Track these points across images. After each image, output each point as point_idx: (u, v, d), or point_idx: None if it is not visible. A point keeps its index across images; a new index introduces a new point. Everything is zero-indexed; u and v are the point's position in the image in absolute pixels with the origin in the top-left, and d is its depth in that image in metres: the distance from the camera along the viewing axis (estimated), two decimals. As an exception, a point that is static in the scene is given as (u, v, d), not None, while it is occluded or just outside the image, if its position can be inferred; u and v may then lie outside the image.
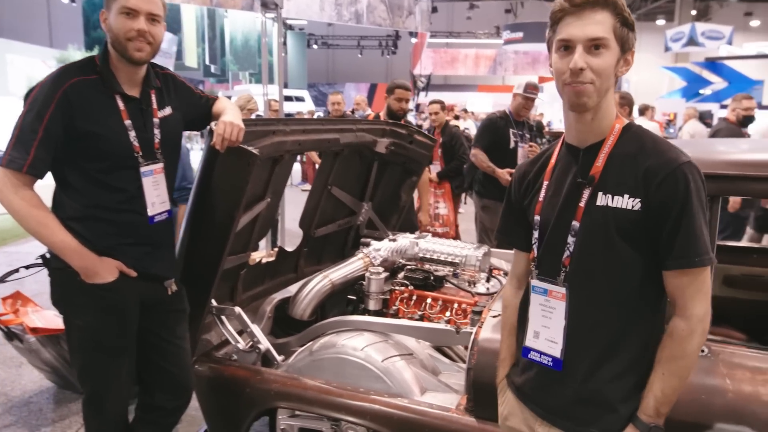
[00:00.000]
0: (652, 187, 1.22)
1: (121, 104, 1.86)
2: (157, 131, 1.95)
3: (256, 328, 2.25)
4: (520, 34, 22.23)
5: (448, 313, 2.43)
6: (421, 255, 2.73)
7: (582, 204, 1.30)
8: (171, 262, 2.08)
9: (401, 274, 2.66)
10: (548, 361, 1.35)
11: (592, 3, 1.25)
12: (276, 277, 3.16)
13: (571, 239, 1.32)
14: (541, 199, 1.41)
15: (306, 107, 22.46)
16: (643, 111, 9.21)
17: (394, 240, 2.85)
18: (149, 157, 1.92)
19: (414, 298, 2.56)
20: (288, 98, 18.45)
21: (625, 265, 1.26)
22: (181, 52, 20.22)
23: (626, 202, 1.24)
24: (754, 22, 26.62)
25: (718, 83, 18.21)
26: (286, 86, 26.09)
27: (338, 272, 2.64)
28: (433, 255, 2.71)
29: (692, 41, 19.11)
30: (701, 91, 18.77)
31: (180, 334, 2.09)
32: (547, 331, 1.36)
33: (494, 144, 4.52)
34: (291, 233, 6.14)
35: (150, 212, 1.93)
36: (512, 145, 4.50)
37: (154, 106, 1.95)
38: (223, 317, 2.29)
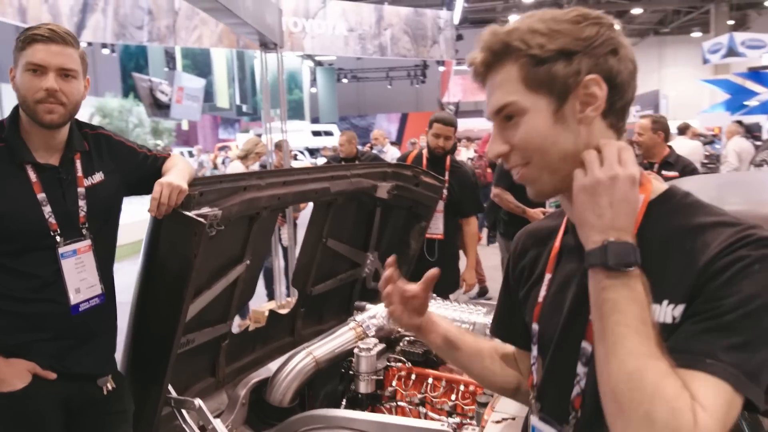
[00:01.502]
0: (719, 281, 0.77)
1: (32, 175, 1.59)
2: (82, 202, 1.67)
3: (219, 425, 1.91)
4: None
5: (453, 396, 2.04)
6: (421, 321, 2.35)
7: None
8: (106, 355, 1.77)
9: (399, 347, 2.29)
10: None
11: (487, 63, 0.90)
12: (269, 343, 2.84)
13: (581, 368, 0.89)
14: (540, 299, 1.00)
15: (334, 141, 22.56)
16: (682, 131, 8.65)
17: (391, 303, 2.49)
18: (71, 235, 1.64)
19: (413, 377, 2.18)
20: (317, 133, 18.49)
21: None
22: (213, 94, 20.58)
23: (664, 312, 0.80)
24: (797, 28, 25.53)
25: (764, 93, 17.32)
26: (317, 121, 26.35)
27: (324, 347, 2.29)
28: (435, 321, 2.32)
29: (732, 52, 18.30)
30: (746, 103, 17.90)
31: None
32: None
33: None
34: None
35: (73, 300, 1.64)
36: None
37: (79, 173, 1.68)
38: (183, 411, 1.96)
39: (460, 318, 2.32)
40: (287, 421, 2.04)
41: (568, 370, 0.91)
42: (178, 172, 1.78)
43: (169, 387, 1.93)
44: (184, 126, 23.85)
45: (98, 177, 1.73)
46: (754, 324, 0.74)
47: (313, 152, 20.40)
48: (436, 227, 3.60)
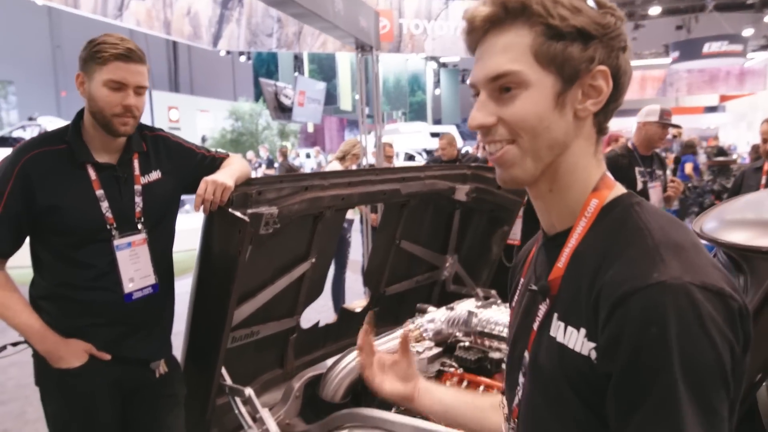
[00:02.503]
0: (600, 321, 0.70)
1: (92, 173, 1.73)
2: (138, 199, 1.79)
3: (266, 414, 1.97)
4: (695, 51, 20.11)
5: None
6: (479, 329, 2.27)
7: (535, 327, 0.82)
8: (159, 342, 1.88)
9: (454, 353, 2.23)
10: None
11: (494, 19, 0.78)
12: (340, 340, 2.89)
13: (521, 378, 0.84)
14: (514, 304, 0.95)
15: (453, 143, 22.49)
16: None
17: (452, 308, 2.43)
18: (126, 228, 1.76)
19: (465, 383, 2.11)
20: (435, 134, 18.50)
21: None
22: (337, 97, 21.35)
23: (578, 341, 0.73)
24: None
25: None
26: (439, 122, 26.39)
27: (379, 347, 2.28)
28: (493, 329, 2.24)
29: None
30: None
31: (171, 423, 1.87)
32: None
33: None
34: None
35: (127, 289, 1.76)
36: (640, 186, 3.75)
37: (136, 172, 1.80)
38: (237, 399, 2.05)
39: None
40: (331, 416, 2.07)
41: (514, 378, 0.86)
42: (228, 171, 1.85)
43: (225, 374, 2.04)
44: (310, 128, 24.95)
45: (155, 175, 1.85)
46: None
47: (431, 153, 20.52)
48: (514, 233, 3.47)
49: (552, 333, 0.78)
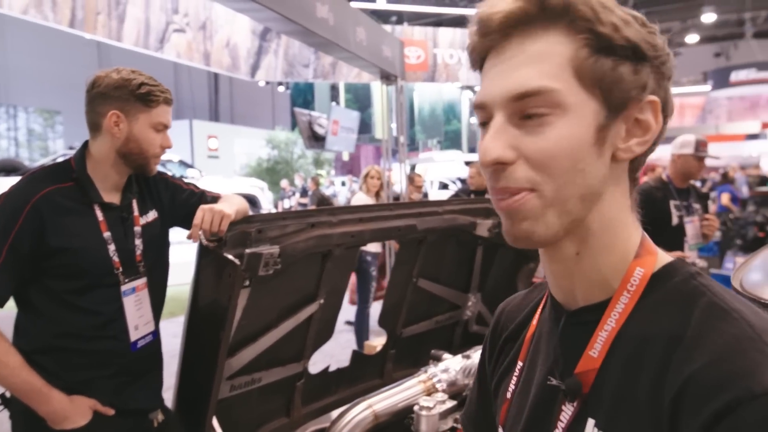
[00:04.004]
0: (694, 424, 0.51)
1: (99, 214, 1.63)
2: (138, 241, 1.69)
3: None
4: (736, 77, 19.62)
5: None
6: (497, 380, 2.07)
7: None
8: (156, 389, 1.78)
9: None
10: None
11: (523, 19, 0.59)
12: (355, 384, 2.73)
13: None
14: (509, 395, 0.75)
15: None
16: None
17: (468, 357, 2.24)
18: (131, 272, 1.66)
19: (479, 442, 1.91)
20: (469, 163, 18.36)
21: None
22: (371, 126, 21.49)
23: None
24: None
25: None
26: (474, 151, 26.27)
27: (386, 400, 2.10)
28: (512, 381, 2.04)
29: None
30: None
31: None
32: None
33: (651, 222, 3.51)
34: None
35: (133, 337, 1.66)
36: (676, 221, 3.49)
37: (136, 212, 1.71)
38: (230, 453, 1.90)
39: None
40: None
41: None
42: (227, 203, 1.75)
43: (217, 427, 1.89)
44: (345, 156, 25.12)
45: (152, 215, 1.76)
46: None
47: (464, 182, 20.37)
48: (539, 271, 3.26)
49: None
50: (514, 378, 0.75)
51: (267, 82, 18.16)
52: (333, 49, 3.58)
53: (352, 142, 14.92)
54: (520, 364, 0.75)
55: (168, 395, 1.88)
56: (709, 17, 17.76)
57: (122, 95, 1.59)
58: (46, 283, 1.59)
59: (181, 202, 1.83)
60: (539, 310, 0.76)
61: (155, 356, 1.78)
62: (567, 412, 0.63)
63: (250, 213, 1.90)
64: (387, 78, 4.51)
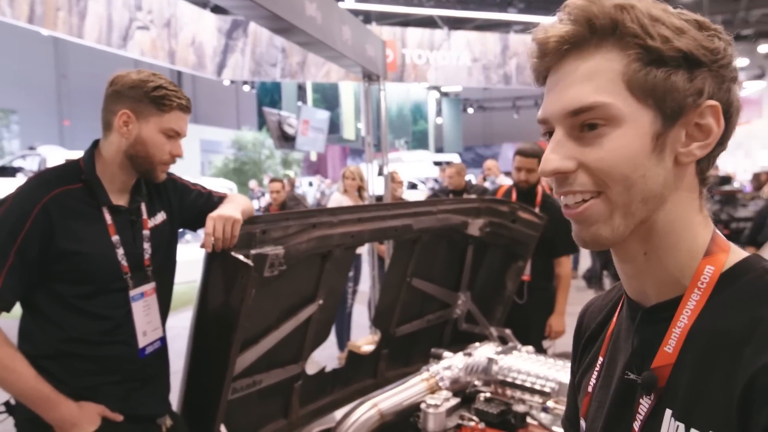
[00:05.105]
0: (757, 425, 0.54)
1: (108, 217, 1.58)
2: (147, 245, 1.65)
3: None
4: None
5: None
6: (500, 377, 2.10)
7: (636, 427, 0.66)
8: (163, 396, 1.74)
9: (474, 404, 2.05)
10: None
11: (575, 41, 0.64)
12: (349, 385, 2.72)
13: None
14: (590, 388, 0.78)
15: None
16: None
17: (470, 354, 2.26)
18: (139, 277, 1.62)
19: (486, 438, 1.94)
20: (438, 163, 18.48)
21: None
22: (340, 126, 21.41)
23: None
24: None
25: None
26: (441, 151, 26.46)
27: (391, 399, 2.11)
28: (516, 378, 2.06)
29: None
30: None
31: None
32: None
33: None
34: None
35: (141, 343, 1.62)
36: None
37: (144, 215, 1.67)
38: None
39: (543, 375, 2.04)
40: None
41: None
42: (232, 205, 1.73)
43: (223, 431, 1.87)
44: (313, 157, 24.99)
45: (161, 218, 1.72)
46: None
47: (437, 181, 20.51)
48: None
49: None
50: (595, 372, 0.77)
51: (232, 82, 17.90)
52: (320, 48, 3.56)
53: (322, 142, 14.86)
54: (601, 359, 0.77)
55: (171, 397, 1.84)
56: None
57: (136, 95, 1.54)
58: (54, 287, 1.54)
59: (189, 204, 1.79)
60: (618, 308, 0.77)
61: (163, 361, 1.74)
62: (645, 404, 0.66)
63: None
64: (369, 77, 4.51)
